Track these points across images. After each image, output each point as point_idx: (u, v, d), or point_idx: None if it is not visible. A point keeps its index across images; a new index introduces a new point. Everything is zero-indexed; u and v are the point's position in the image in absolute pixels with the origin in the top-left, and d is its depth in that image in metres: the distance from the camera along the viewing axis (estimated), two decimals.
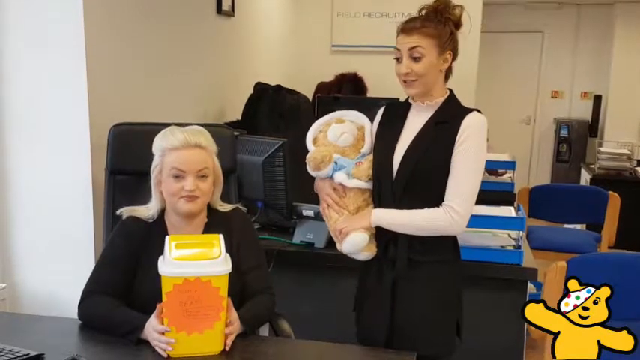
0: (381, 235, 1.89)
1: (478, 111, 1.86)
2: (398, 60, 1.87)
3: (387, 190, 1.88)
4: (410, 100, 1.94)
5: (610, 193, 4.00)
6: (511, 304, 2.33)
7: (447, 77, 1.91)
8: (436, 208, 1.83)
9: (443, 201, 1.83)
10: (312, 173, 1.96)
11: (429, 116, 1.88)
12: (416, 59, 1.83)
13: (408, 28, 1.85)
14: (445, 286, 1.91)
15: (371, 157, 1.94)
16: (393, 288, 1.88)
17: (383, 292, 1.90)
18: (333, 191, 1.93)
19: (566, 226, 4.88)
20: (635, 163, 5.68)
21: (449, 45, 1.86)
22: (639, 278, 2.28)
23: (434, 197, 1.83)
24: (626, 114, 6.78)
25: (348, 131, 1.95)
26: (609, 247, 4.03)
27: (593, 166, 5.74)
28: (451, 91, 1.93)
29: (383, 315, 1.89)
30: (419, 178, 1.83)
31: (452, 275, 1.93)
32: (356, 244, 1.87)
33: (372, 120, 2.02)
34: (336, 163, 1.92)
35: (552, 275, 2.24)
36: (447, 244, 1.91)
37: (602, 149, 5.80)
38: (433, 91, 1.88)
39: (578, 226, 4.89)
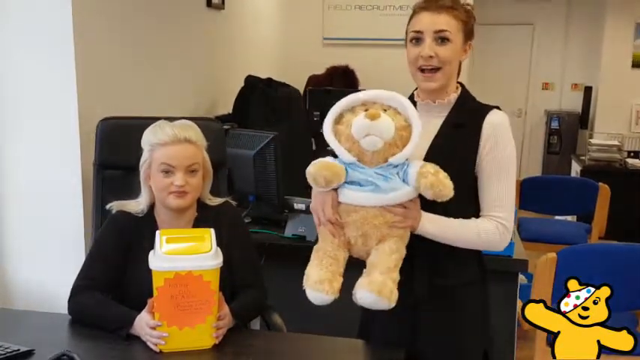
0: None
1: (498, 108, 1.64)
2: (415, 42, 1.59)
3: None
4: (415, 98, 1.67)
5: (600, 184, 4.01)
6: (502, 295, 2.33)
7: (458, 72, 1.66)
8: (485, 220, 1.60)
9: (461, 212, 1.58)
10: (317, 188, 1.55)
11: (443, 117, 1.63)
12: (443, 40, 1.56)
13: (434, 5, 1.58)
14: (472, 311, 1.67)
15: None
16: (411, 318, 1.64)
17: (397, 324, 1.65)
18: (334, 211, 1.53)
19: (556, 217, 4.91)
20: (625, 154, 5.72)
21: (471, 34, 1.63)
22: (629, 269, 2.30)
23: (453, 210, 1.57)
24: (617, 105, 6.79)
25: (379, 134, 1.46)
26: (600, 238, 4.05)
27: (583, 158, 5.76)
28: (462, 85, 1.69)
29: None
30: None
31: (479, 298, 1.69)
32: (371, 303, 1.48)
33: None
34: (347, 171, 1.50)
35: (543, 266, 2.25)
36: (473, 261, 1.67)
37: (592, 141, 5.82)
38: (448, 87, 1.63)
39: (568, 218, 4.91)
